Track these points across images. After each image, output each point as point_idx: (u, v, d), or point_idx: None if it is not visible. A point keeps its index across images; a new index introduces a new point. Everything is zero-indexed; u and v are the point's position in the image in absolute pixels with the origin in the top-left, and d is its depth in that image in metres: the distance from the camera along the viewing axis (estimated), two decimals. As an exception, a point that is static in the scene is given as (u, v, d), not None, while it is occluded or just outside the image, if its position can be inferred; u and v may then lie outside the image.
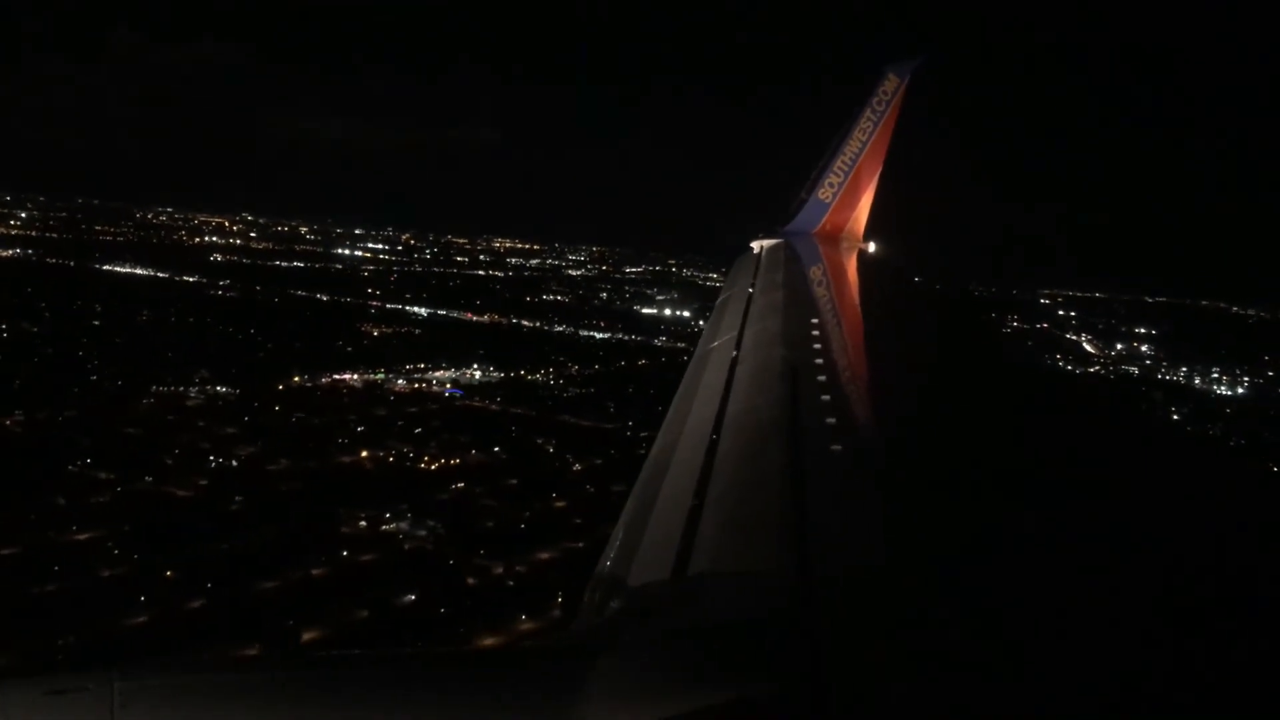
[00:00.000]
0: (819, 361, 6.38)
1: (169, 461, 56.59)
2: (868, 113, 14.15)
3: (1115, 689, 2.63)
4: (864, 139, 14.16)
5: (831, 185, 14.35)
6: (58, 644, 35.23)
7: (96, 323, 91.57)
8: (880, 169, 14.40)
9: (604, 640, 2.87)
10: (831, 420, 4.98)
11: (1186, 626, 3.05)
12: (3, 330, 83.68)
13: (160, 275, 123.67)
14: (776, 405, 5.40)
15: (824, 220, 14.36)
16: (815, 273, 12.29)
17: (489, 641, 36.21)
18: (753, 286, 10.50)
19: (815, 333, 7.37)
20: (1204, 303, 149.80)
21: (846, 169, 14.28)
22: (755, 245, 13.74)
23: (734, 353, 7.25)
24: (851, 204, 14.37)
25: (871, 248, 14.33)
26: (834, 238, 14.32)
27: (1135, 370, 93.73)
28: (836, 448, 4.57)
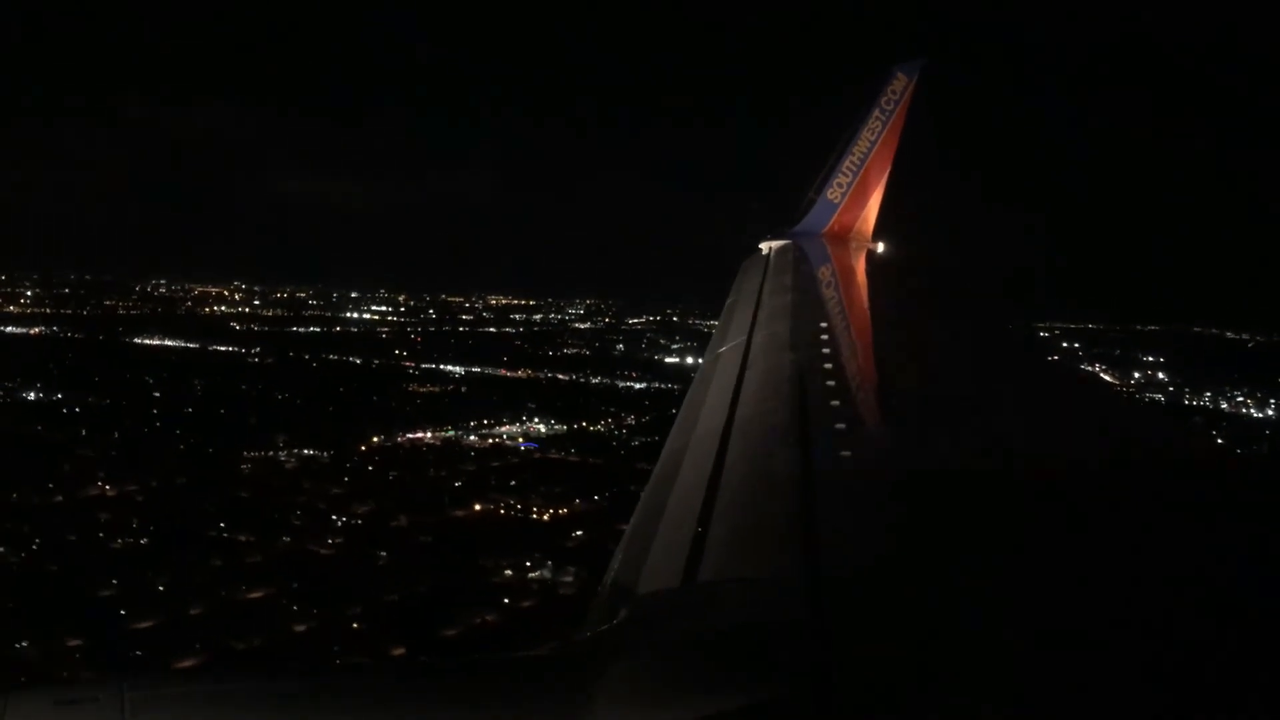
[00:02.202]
0: (828, 366, 6.36)
1: (296, 522, 58.34)
2: (876, 112, 14.14)
3: (1125, 696, 2.63)
4: (872, 138, 14.13)
5: (840, 185, 14.29)
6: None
7: (156, 394, 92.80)
8: (889, 169, 14.39)
9: (613, 647, 2.87)
10: (841, 426, 5.01)
11: (1198, 634, 3.02)
12: (75, 406, 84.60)
13: (191, 346, 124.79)
14: (786, 410, 5.40)
15: (832, 220, 14.32)
16: (824, 274, 12.20)
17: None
18: (761, 289, 10.43)
19: (825, 336, 7.37)
20: (1196, 329, 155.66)
21: (855, 169, 14.23)
22: (764, 246, 13.74)
23: (743, 357, 7.23)
24: (860, 204, 14.36)
25: (880, 248, 14.35)
26: (842, 238, 14.29)
27: (1161, 398, 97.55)
28: (846, 453, 4.61)
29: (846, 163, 14.26)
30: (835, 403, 5.46)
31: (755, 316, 8.84)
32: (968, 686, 2.61)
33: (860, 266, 13.12)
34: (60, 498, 59.83)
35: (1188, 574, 3.51)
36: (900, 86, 14.12)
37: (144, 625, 43.38)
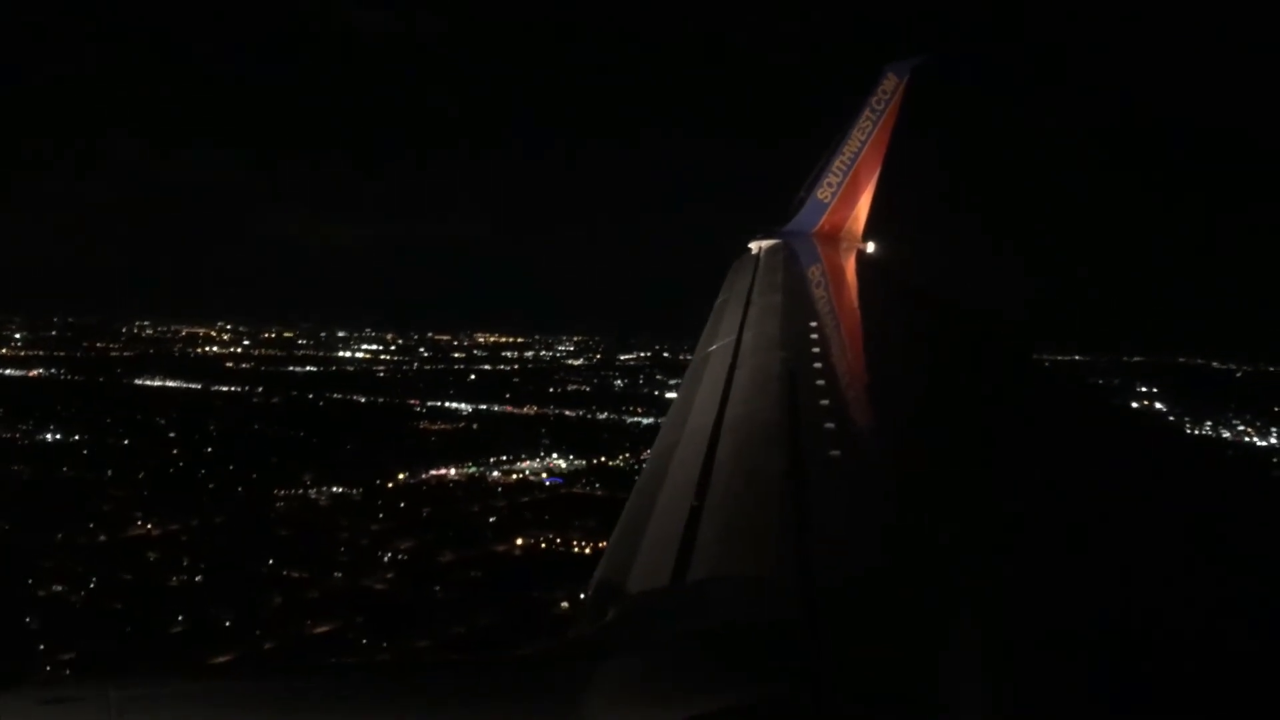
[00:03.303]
0: (818, 365, 6.37)
1: (344, 558, 58.56)
2: (867, 112, 14.25)
3: (1124, 696, 2.62)
4: (863, 138, 14.26)
5: (830, 185, 14.40)
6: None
7: (172, 434, 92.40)
8: (879, 169, 14.53)
9: (602, 646, 2.86)
10: (831, 424, 4.98)
11: (1194, 633, 3.02)
12: (96, 448, 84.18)
13: (194, 387, 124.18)
14: (776, 409, 5.41)
15: (823, 220, 14.44)
16: (814, 274, 12.21)
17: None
18: (751, 288, 10.52)
19: (815, 335, 7.37)
20: (1181, 359, 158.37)
21: (845, 169, 14.37)
22: (753, 246, 13.82)
23: (732, 356, 7.23)
24: (850, 203, 14.50)
25: (870, 248, 14.51)
26: (833, 237, 14.39)
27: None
28: (836, 452, 4.58)
29: (837, 162, 14.44)
30: (825, 401, 5.46)
31: (745, 315, 8.87)
32: (963, 686, 2.59)
33: (850, 265, 13.28)
34: (104, 537, 59.78)
35: (1189, 576, 3.51)
36: (891, 86, 14.31)
37: (221, 660, 43.47)
